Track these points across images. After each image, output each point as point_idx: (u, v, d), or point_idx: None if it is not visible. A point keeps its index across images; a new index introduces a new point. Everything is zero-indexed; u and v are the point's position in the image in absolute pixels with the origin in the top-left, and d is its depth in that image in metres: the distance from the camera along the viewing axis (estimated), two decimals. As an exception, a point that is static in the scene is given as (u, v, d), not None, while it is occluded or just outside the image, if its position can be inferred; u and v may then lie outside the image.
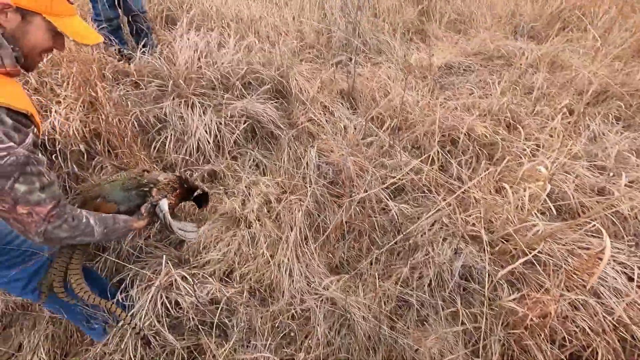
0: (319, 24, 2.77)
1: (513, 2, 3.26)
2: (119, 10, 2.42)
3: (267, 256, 1.71)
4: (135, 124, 2.04)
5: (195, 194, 1.42)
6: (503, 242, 1.53)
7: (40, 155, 0.91)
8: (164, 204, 1.23)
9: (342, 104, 2.23)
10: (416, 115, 2.06)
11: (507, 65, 2.59)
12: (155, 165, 1.97)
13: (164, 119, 2.16)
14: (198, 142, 2.07)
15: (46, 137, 1.85)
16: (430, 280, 1.52)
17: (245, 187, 1.90)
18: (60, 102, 2.00)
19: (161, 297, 1.44)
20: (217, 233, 1.79)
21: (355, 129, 2.07)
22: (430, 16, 3.12)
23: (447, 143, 1.92)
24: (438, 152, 1.78)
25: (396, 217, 1.71)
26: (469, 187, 1.61)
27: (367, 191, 1.64)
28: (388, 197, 1.79)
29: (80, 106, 1.96)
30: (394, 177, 1.81)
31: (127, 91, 2.16)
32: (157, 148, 2.08)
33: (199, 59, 2.30)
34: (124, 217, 1.12)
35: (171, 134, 2.09)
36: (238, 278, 1.68)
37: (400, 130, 2.05)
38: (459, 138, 1.89)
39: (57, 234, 0.92)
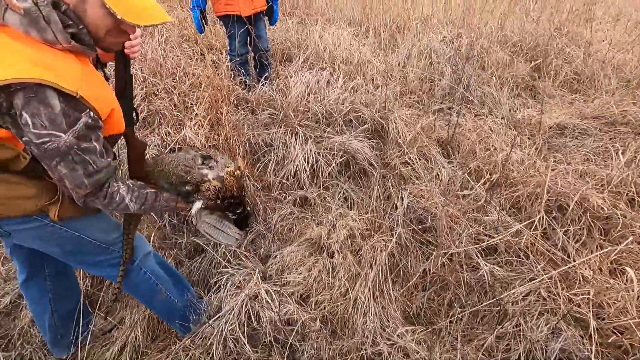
0: (424, 72, 2.84)
1: (646, 66, 2.96)
2: (249, 47, 2.81)
3: (344, 289, 1.74)
4: (247, 145, 2.30)
5: (236, 212, 1.28)
6: (616, 334, 1.33)
7: (93, 142, 0.89)
8: (197, 205, 1.18)
9: (439, 151, 2.23)
10: (519, 174, 1.95)
11: (635, 133, 2.32)
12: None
13: (270, 143, 2.40)
14: (296, 169, 2.24)
15: (176, 146, 2.20)
16: (520, 356, 1.38)
17: (334, 217, 1.97)
18: (191, 118, 2.37)
19: (246, 305, 1.56)
20: (300, 257, 1.88)
21: (450, 178, 2.04)
22: (543, 73, 2.98)
23: (554, 209, 1.78)
24: (543, 217, 1.65)
25: (486, 278, 1.61)
26: (577, 263, 1.46)
27: (458, 246, 1.58)
28: (479, 255, 1.70)
29: (207, 124, 2.29)
30: (488, 235, 1.72)
31: (245, 116, 2.46)
32: (259, 168, 2.30)
33: (308, 94, 2.53)
34: (166, 197, 1.11)
35: (274, 158, 2.31)
36: (313, 304, 1.73)
37: (500, 187, 1.96)
38: (569, 206, 1.74)
39: (93, 205, 0.99)
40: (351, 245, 1.89)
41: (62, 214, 1.01)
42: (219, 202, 1.20)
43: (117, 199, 1.00)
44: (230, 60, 2.73)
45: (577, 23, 3.67)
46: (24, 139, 0.84)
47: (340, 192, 2.20)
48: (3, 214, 0.97)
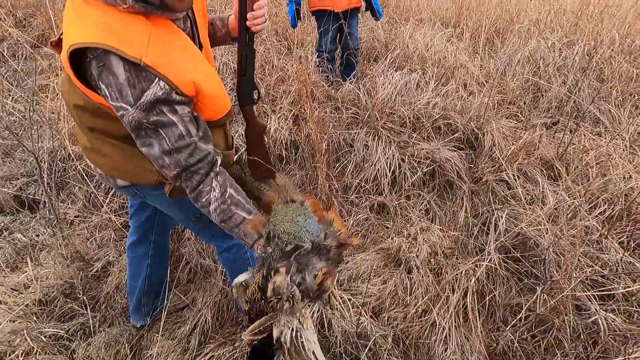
0: (527, 81, 2.55)
1: None
2: (338, 45, 2.75)
3: (421, 309, 1.59)
4: (329, 143, 2.24)
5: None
6: None
7: (168, 114, 0.80)
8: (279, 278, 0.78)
9: (542, 171, 1.96)
10: (649, 209, 1.63)
11: None
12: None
13: (351, 144, 2.32)
14: (376, 173, 2.13)
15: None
16: None
17: (416, 230, 1.83)
18: (275, 111, 2.38)
19: (319, 310, 1.49)
20: (375, 266, 1.77)
21: (558, 203, 1.78)
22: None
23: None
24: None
25: (601, 326, 1.36)
26: None
27: (570, 285, 1.35)
28: (591, 297, 1.44)
29: (291, 118, 2.28)
30: (604, 277, 1.45)
31: (329, 113, 2.41)
32: (338, 169, 2.23)
33: (396, 96, 2.40)
34: (249, 231, 0.89)
35: (354, 159, 2.22)
36: (385, 320, 1.61)
37: (621, 221, 1.66)
38: None
39: (188, 188, 0.89)
40: (432, 262, 1.74)
41: (173, 193, 0.99)
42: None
43: (203, 200, 0.89)
44: (318, 57, 2.70)
45: None
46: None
47: (422, 204, 2.04)
48: (135, 181, 1.01)
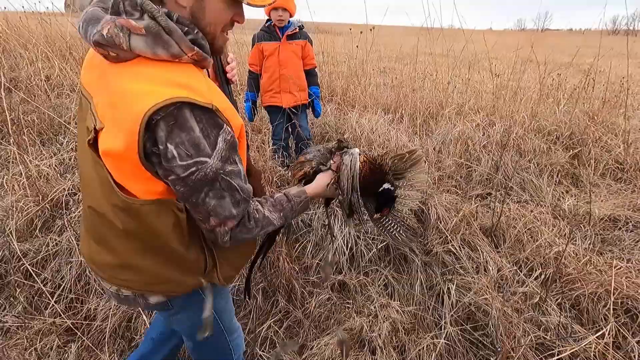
0: (460, 158, 2.90)
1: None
2: (291, 134, 3.00)
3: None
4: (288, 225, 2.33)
5: (384, 187, 1.12)
6: None
7: (237, 164, 0.81)
8: (356, 151, 1.06)
9: (483, 239, 2.16)
10: (576, 270, 1.84)
11: (696, 229, 2.18)
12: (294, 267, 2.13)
13: (309, 223, 2.42)
14: (334, 251, 2.22)
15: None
16: None
17: (376, 308, 1.88)
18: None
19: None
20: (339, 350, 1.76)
21: (499, 269, 1.94)
22: (583, 161, 2.96)
23: (621, 313, 1.62)
24: (612, 324, 1.50)
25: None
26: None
27: (517, 353, 1.44)
28: (542, 363, 1.53)
29: (250, 203, 2.37)
30: (550, 342, 1.57)
31: (286, 196, 2.54)
32: (297, 249, 2.29)
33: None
34: (294, 191, 1.01)
35: (312, 239, 2.31)
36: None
37: (555, 283, 1.84)
38: (638, 310, 1.59)
39: (241, 237, 0.88)
40: (394, 340, 1.77)
41: (225, 273, 0.96)
42: (370, 168, 1.07)
43: (259, 216, 0.90)
44: (274, 144, 2.92)
45: (610, 113, 3.73)
46: (170, 177, 0.76)
47: (380, 279, 2.12)
48: (173, 291, 0.93)
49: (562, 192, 2.70)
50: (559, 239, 2.09)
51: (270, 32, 2.68)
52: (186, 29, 0.76)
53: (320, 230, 2.36)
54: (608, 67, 3.73)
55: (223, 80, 1.08)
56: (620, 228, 2.26)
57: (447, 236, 2.16)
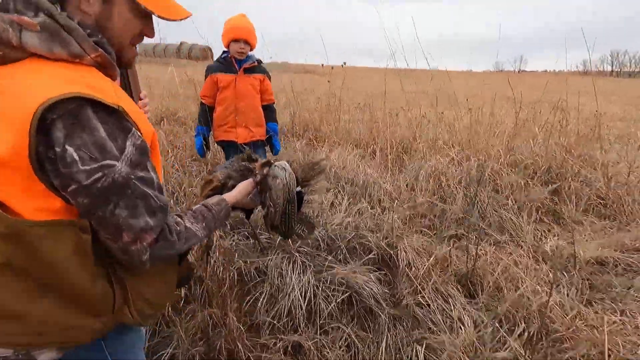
0: (434, 195, 2.70)
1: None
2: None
3: None
4: (236, 274, 2.04)
5: (297, 190, 1.16)
6: None
7: (149, 171, 0.73)
8: (285, 163, 1.10)
9: (458, 289, 1.90)
10: (563, 326, 1.57)
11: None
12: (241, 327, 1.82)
13: (264, 272, 2.13)
14: (290, 305, 1.92)
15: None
16: None
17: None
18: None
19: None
20: None
21: (475, 326, 1.66)
22: (564, 197, 2.79)
23: (620, 381, 1.35)
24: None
25: None
26: None
27: None
28: None
29: (199, 249, 2.08)
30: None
31: (239, 240, 2.27)
32: (249, 302, 1.99)
33: (315, 215, 2.36)
34: (213, 200, 0.93)
35: (267, 290, 2.01)
36: None
37: (541, 341, 1.56)
38: (640, 377, 1.32)
39: (162, 253, 0.77)
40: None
41: (139, 308, 0.80)
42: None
43: (180, 228, 0.80)
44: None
45: (586, 146, 3.65)
46: (70, 187, 0.65)
47: (342, 338, 1.81)
48: (69, 340, 0.75)
49: (544, 232, 2.49)
50: (542, 286, 1.85)
51: (227, 63, 2.53)
52: (89, 31, 0.72)
53: (277, 279, 2.07)
54: (579, 103, 3.70)
55: None
56: (608, 272, 2.03)
57: (417, 285, 1.90)
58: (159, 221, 0.74)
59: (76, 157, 0.63)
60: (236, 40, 2.46)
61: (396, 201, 2.53)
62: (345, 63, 4.28)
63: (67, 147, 0.62)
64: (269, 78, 2.66)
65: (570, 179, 2.91)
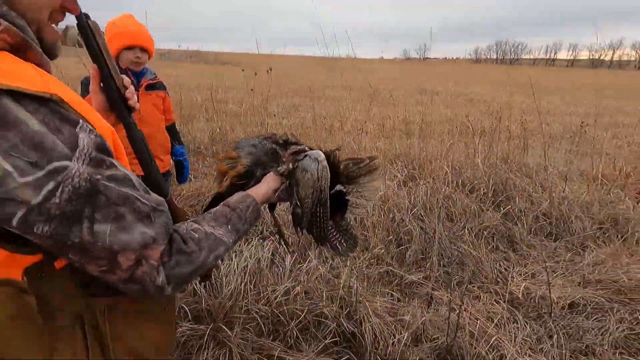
0: (389, 235, 2.37)
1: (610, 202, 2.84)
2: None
3: None
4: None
5: (337, 189, 0.95)
6: None
7: (119, 168, 0.54)
8: (322, 155, 0.88)
9: (439, 370, 1.57)
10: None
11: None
12: None
13: (190, 381, 1.56)
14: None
15: None
16: None
17: None
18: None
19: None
20: None
21: None
22: (514, 218, 2.69)
23: None
24: None
25: None
26: None
27: None
28: None
29: None
30: None
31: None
32: None
33: (246, 287, 1.84)
34: (235, 198, 0.76)
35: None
36: None
37: None
38: None
39: (182, 272, 0.58)
40: None
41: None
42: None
43: (199, 235, 0.62)
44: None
45: (516, 152, 3.70)
46: (15, 217, 0.46)
47: None
48: None
49: (502, 262, 2.32)
50: (523, 347, 1.62)
51: (122, 78, 1.85)
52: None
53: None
54: (489, 96, 3.72)
55: (124, 111, 0.77)
56: (578, 312, 1.90)
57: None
58: (160, 227, 0.57)
59: (8, 168, 0.45)
60: (130, 48, 1.88)
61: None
62: (270, 69, 3.73)
63: None
64: (167, 94, 2.15)
65: (517, 198, 2.84)
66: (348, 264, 2.05)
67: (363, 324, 1.73)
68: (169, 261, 0.57)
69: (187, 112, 4.76)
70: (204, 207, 0.95)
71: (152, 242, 0.54)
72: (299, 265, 2.01)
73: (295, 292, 1.81)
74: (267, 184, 0.85)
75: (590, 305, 1.91)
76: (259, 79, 4.24)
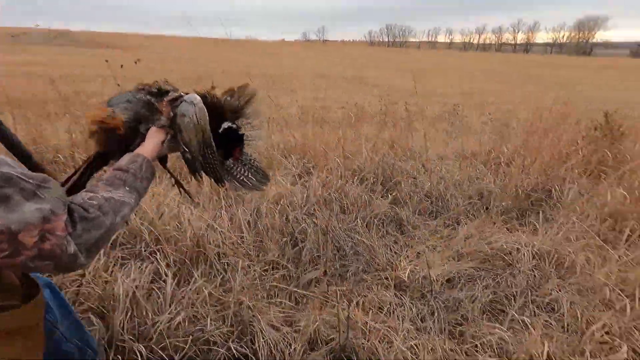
0: (284, 237, 2.29)
1: (478, 178, 3.23)
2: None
3: None
4: None
5: (225, 127, 0.96)
6: None
7: None
8: (197, 98, 0.88)
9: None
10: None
11: (508, 265, 2.25)
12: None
13: None
14: None
15: None
16: None
17: None
18: None
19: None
20: None
21: None
22: (401, 202, 2.87)
23: None
24: None
25: None
26: None
27: None
28: None
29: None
30: None
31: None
32: None
33: (129, 319, 1.58)
34: (124, 160, 0.79)
35: None
36: None
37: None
38: None
39: (92, 236, 0.62)
40: None
41: None
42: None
43: (98, 202, 0.66)
44: None
45: (402, 135, 3.96)
46: None
47: None
48: None
49: (392, 246, 2.46)
50: (410, 331, 1.73)
51: None
52: None
53: None
54: (382, 79, 3.95)
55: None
56: (454, 286, 2.11)
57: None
58: (54, 200, 0.59)
59: None
60: None
61: (241, 260, 2.00)
62: (138, 60, 3.26)
63: None
64: None
65: (402, 182, 3.02)
66: (239, 273, 1.91)
67: (257, 340, 1.63)
68: (74, 230, 0.59)
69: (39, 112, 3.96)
70: (85, 165, 0.92)
71: (50, 214, 0.56)
72: (182, 288, 1.80)
73: (177, 322, 1.62)
74: (153, 139, 0.87)
75: (463, 277, 2.14)
76: (137, 67, 3.71)
